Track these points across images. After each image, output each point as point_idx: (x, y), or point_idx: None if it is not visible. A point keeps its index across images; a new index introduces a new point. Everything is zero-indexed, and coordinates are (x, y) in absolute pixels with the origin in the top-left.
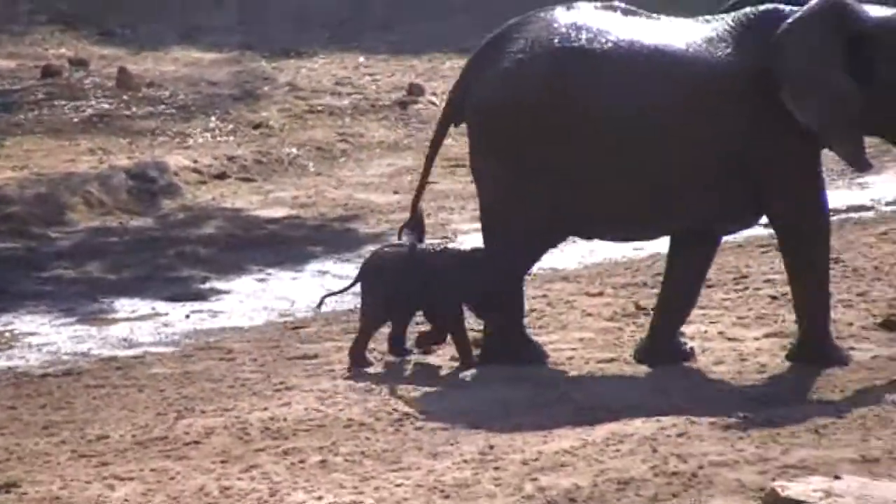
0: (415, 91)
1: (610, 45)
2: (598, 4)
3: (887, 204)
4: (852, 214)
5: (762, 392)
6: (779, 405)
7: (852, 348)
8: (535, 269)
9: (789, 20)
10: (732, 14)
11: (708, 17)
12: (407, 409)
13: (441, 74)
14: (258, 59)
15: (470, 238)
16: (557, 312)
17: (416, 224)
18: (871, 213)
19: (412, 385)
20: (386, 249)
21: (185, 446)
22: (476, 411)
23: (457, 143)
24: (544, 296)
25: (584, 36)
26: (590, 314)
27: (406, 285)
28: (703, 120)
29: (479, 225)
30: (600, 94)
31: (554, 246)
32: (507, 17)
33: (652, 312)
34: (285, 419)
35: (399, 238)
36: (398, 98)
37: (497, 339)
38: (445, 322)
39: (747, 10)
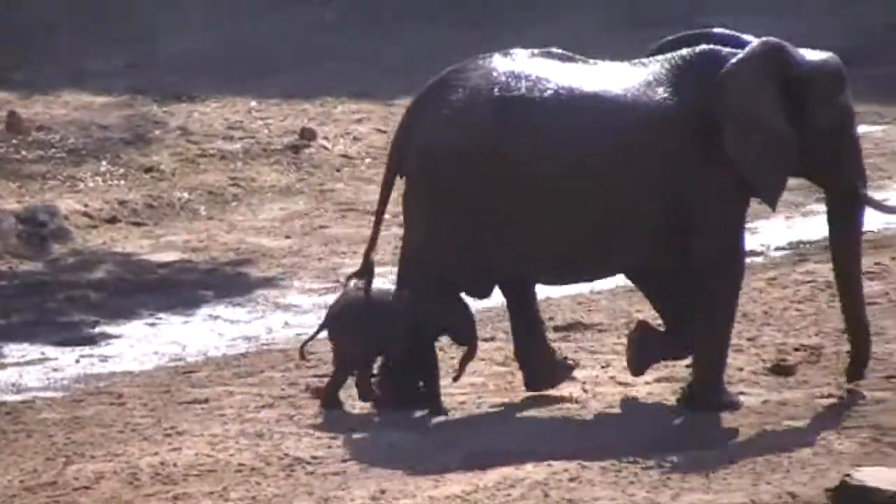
0: (307, 135)
1: (549, 92)
2: (536, 51)
3: (776, 249)
4: None
5: (653, 437)
6: (670, 450)
7: (742, 393)
8: None
9: (732, 62)
10: (668, 56)
11: (644, 60)
12: (298, 453)
13: (333, 118)
14: (149, 102)
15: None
16: (449, 357)
17: (366, 272)
18: (760, 259)
19: (304, 430)
20: (354, 293)
21: (75, 492)
22: (368, 456)
23: (348, 187)
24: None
25: (523, 84)
26: (481, 359)
27: (378, 327)
28: (643, 163)
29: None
30: (540, 141)
31: (485, 295)
32: (399, 62)
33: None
34: (176, 464)
35: (345, 286)
36: (290, 142)
37: (391, 382)
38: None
39: (683, 52)
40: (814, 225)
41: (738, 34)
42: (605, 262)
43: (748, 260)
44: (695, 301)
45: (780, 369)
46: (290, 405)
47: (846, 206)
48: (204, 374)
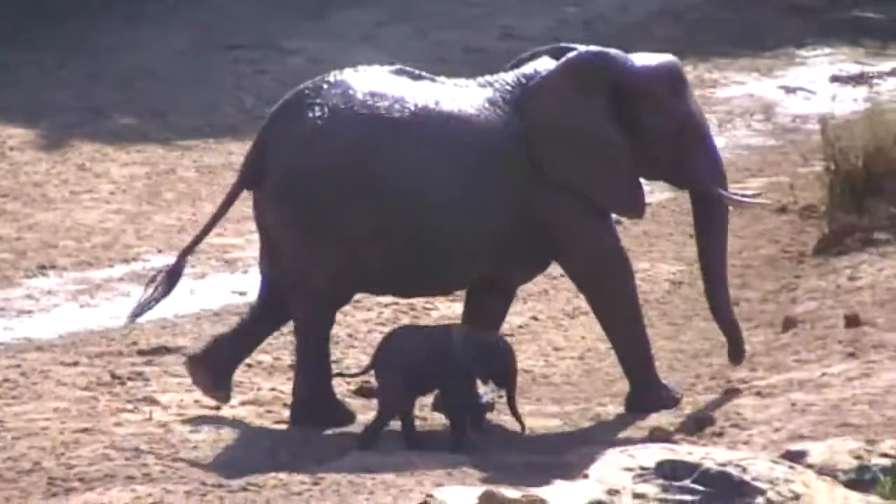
0: None
1: (408, 112)
2: (387, 69)
3: None
4: None
5: (241, 459)
6: (258, 472)
7: None
8: (8, 338)
9: (540, 76)
10: (512, 74)
11: (490, 77)
12: None
13: None
14: None
15: None
16: (31, 382)
17: (175, 274)
18: None
19: None
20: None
21: None
22: None
23: None
24: (18, 366)
25: (382, 103)
26: (64, 384)
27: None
28: (494, 181)
29: None
30: (400, 159)
31: (345, 303)
32: None
33: None
34: None
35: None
36: None
37: (304, 403)
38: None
39: (527, 68)
40: None
41: (601, 50)
42: (465, 274)
43: None
44: (597, 314)
45: (364, 391)
46: None
47: (704, 205)
48: None
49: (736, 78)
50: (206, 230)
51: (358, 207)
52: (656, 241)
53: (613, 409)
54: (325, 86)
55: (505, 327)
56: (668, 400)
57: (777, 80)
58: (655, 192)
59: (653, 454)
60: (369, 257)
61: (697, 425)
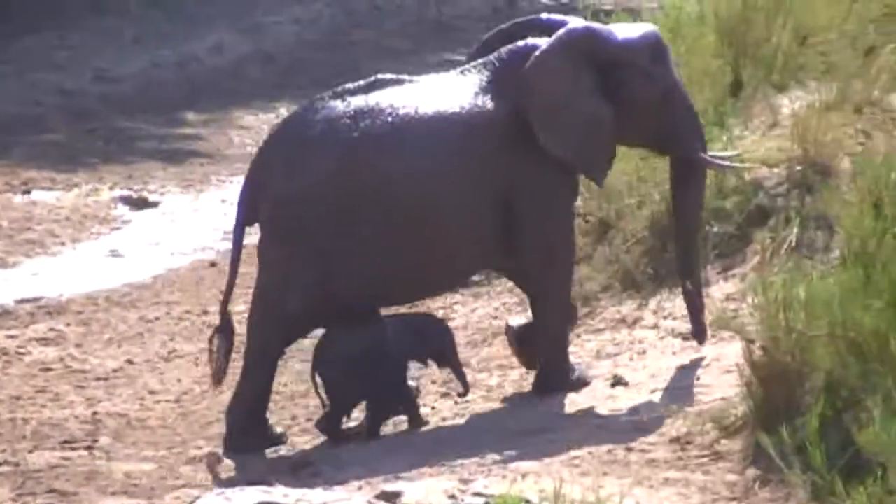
0: None
1: (387, 125)
2: (363, 83)
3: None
4: None
5: None
6: None
7: None
8: None
9: (535, 54)
10: (489, 59)
11: (469, 66)
12: None
13: None
14: None
15: None
16: None
17: (226, 328)
18: None
19: None
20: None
21: None
22: None
23: None
24: None
25: (363, 121)
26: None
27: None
28: (479, 172)
29: None
30: (389, 172)
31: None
32: None
33: None
34: None
35: (211, 344)
36: None
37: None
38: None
39: (501, 51)
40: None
41: (565, 20)
42: (452, 275)
43: None
44: (531, 294)
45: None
46: None
47: (683, 171)
48: None
49: None
50: (231, 277)
51: (346, 222)
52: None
53: (210, 451)
54: (308, 115)
55: (99, 371)
56: (578, 384)
57: None
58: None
59: (249, 496)
60: (365, 272)
61: (294, 466)
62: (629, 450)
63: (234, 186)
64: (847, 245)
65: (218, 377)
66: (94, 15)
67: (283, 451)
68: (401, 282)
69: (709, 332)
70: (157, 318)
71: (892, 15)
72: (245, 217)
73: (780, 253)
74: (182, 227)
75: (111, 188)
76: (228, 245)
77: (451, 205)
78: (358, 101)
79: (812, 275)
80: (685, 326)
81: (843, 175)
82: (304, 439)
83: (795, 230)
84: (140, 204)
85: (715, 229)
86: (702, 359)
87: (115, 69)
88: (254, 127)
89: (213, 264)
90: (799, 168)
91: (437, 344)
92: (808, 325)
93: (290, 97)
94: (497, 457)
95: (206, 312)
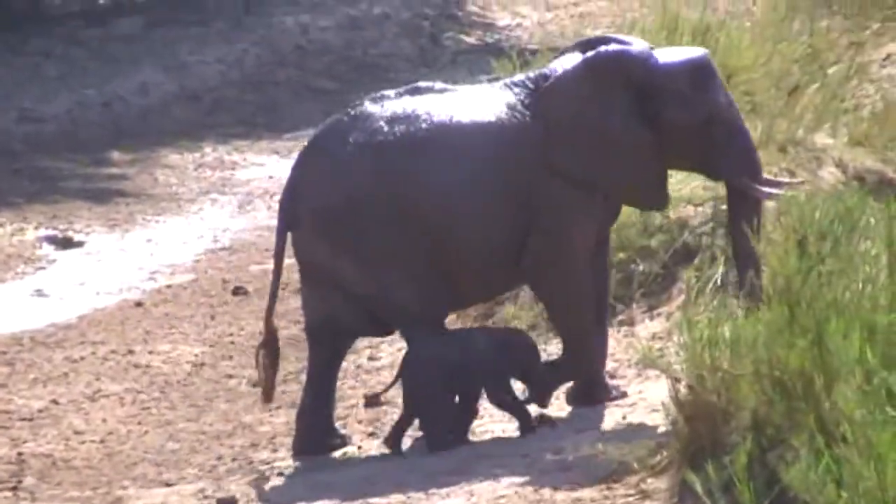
0: None
1: (423, 133)
2: (402, 90)
3: None
4: None
5: None
6: None
7: None
8: None
9: (555, 76)
10: (528, 75)
11: (513, 79)
12: None
13: None
14: None
15: None
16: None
17: (271, 341)
18: None
19: None
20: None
21: None
22: None
23: None
24: None
25: (398, 128)
26: None
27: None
28: (516, 188)
29: None
30: (428, 180)
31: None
32: None
33: None
34: None
35: (257, 360)
36: None
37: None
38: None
39: (547, 67)
40: None
41: (620, 48)
42: (484, 288)
43: None
44: (548, 305)
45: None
46: None
47: (736, 196)
48: None
49: (255, 160)
50: (274, 288)
51: (385, 234)
52: (178, 323)
53: (134, 491)
54: (346, 119)
55: (24, 411)
56: (615, 395)
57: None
58: (176, 275)
59: None
60: (406, 281)
61: None
62: (556, 489)
63: (160, 226)
64: (772, 284)
65: (268, 394)
66: (18, 54)
67: (209, 490)
68: (446, 291)
69: None
70: (82, 358)
71: (815, 55)
72: (286, 224)
73: (706, 291)
74: (107, 266)
75: (36, 228)
76: (154, 284)
77: (477, 215)
78: (394, 107)
79: (737, 314)
80: (611, 365)
81: (767, 213)
82: (233, 479)
83: (721, 269)
84: (65, 244)
85: (640, 268)
86: (627, 397)
87: (39, 109)
88: (179, 166)
89: (139, 304)
90: (724, 207)
91: (523, 357)
92: (733, 363)
93: (216, 136)
94: (423, 496)
95: (131, 352)
